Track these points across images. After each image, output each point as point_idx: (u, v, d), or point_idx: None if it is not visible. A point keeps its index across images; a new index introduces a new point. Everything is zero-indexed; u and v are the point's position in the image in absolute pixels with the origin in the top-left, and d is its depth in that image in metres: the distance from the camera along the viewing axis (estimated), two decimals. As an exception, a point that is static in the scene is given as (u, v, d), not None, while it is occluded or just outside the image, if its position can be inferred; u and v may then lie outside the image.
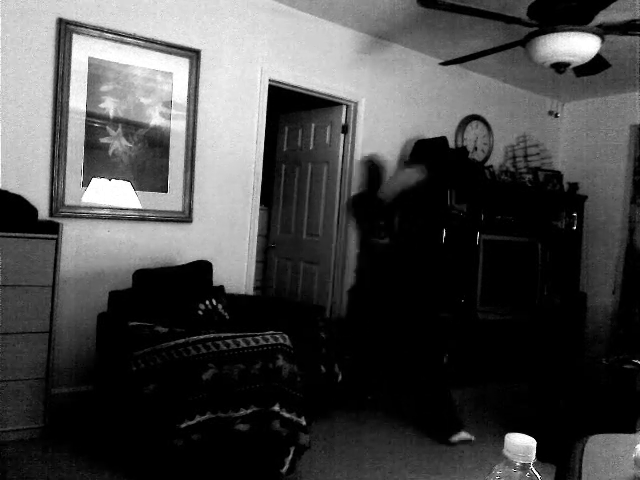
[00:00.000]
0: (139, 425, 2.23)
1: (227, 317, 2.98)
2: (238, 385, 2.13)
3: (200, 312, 2.87)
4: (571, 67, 2.85)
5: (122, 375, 2.28)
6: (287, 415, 2.17)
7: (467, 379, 3.89)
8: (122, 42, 3.05)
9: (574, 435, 1.50)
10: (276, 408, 2.15)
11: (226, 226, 3.55)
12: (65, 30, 2.86)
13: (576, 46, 2.68)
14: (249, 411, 2.12)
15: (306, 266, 4.42)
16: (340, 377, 3.07)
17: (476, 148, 4.78)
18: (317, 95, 3.94)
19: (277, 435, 2.15)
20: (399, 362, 3.51)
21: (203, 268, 3.14)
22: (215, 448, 2.12)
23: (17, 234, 2.45)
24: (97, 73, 3.00)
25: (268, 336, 2.29)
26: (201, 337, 2.21)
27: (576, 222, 4.97)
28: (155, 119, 3.20)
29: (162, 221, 3.27)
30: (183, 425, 2.04)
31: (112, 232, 3.11)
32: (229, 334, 2.26)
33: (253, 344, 2.24)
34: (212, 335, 2.24)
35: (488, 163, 4.79)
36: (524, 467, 0.71)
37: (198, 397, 2.08)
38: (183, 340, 2.19)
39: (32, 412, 2.52)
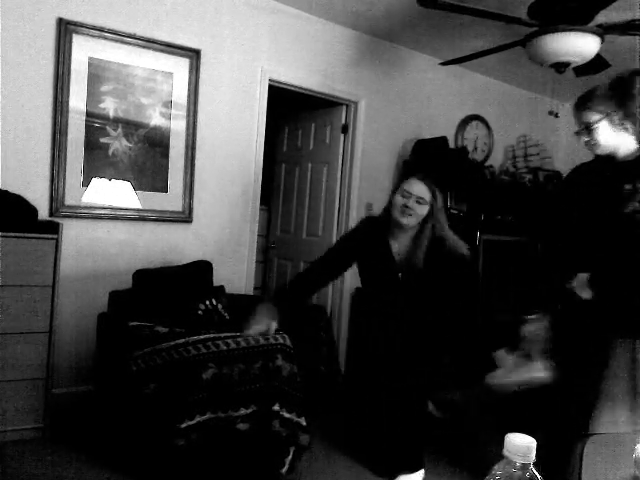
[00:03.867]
0: (139, 425, 2.23)
1: (227, 317, 2.98)
2: (238, 385, 2.14)
3: (200, 312, 2.86)
4: (571, 67, 2.85)
5: (122, 375, 2.28)
6: (287, 415, 2.17)
7: (467, 379, 3.89)
8: (122, 42, 3.04)
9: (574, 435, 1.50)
10: (276, 408, 2.15)
11: (226, 226, 3.55)
12: (65, 30, 2.86)
13: (576, 46, 2.68)
14: (249, 411, 2.13)
15: (306, 266, 4.40)
16: (340, 377, 3.07)
17: (476, 148, 4.77)
18: (317, 95, 3.94)
19: (277, 435, 2.15)
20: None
21: (203, 268, 3.14)
22: (215, 448, 2.13)
23: (17, 234, 2.45)
24: (97, 73, 3.00)
25: (268, 336, 2.29)
26: (201, 337, 2.21)
27: (576, 222, 4.97)
28: (155, 119, 3.20)
29: (162, 221, 3.27)
30: (183, 425, 2.04)
31: (112, 232, 3.11)
32: (229, 334, 2.27)
33: (253, 344, 2.24)
34: (212, 335, 2.24)
35: (488, 163, 4.78)
36: (524, 467, 0.71)
37: (198, 397, 2.08)
38: (183, 340, 2.20)
39: (32, 412, 2.52)
